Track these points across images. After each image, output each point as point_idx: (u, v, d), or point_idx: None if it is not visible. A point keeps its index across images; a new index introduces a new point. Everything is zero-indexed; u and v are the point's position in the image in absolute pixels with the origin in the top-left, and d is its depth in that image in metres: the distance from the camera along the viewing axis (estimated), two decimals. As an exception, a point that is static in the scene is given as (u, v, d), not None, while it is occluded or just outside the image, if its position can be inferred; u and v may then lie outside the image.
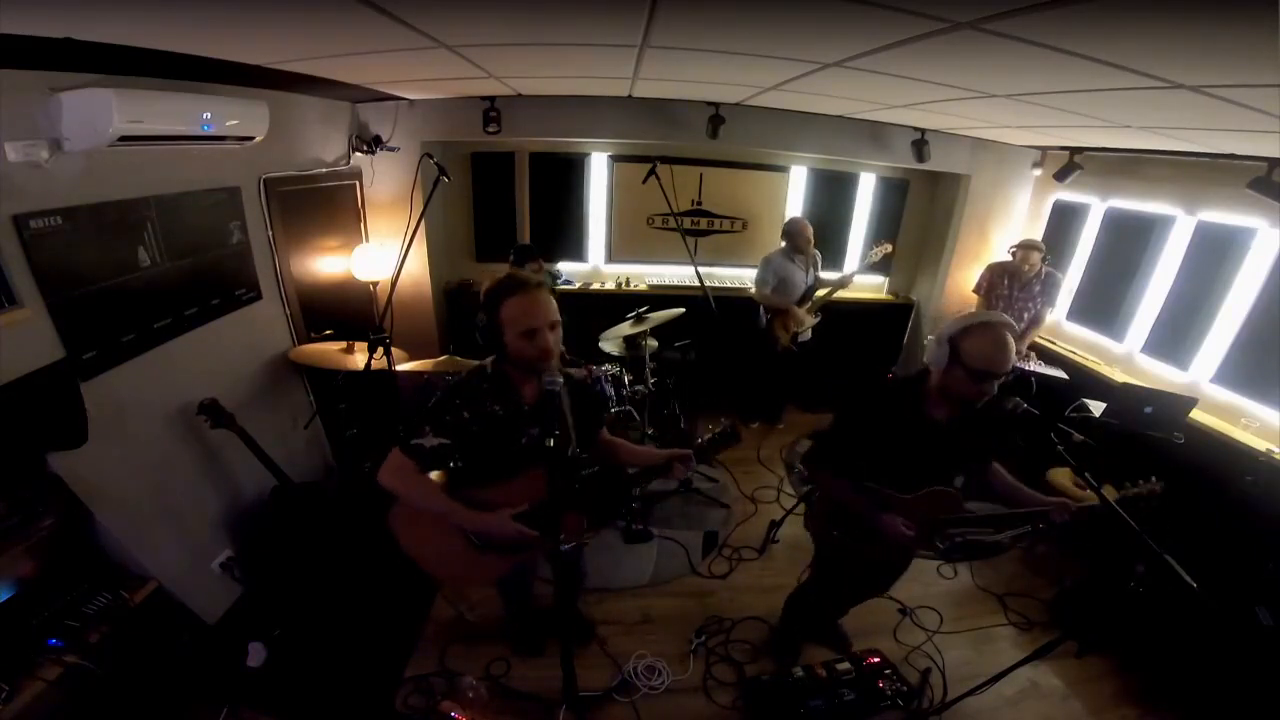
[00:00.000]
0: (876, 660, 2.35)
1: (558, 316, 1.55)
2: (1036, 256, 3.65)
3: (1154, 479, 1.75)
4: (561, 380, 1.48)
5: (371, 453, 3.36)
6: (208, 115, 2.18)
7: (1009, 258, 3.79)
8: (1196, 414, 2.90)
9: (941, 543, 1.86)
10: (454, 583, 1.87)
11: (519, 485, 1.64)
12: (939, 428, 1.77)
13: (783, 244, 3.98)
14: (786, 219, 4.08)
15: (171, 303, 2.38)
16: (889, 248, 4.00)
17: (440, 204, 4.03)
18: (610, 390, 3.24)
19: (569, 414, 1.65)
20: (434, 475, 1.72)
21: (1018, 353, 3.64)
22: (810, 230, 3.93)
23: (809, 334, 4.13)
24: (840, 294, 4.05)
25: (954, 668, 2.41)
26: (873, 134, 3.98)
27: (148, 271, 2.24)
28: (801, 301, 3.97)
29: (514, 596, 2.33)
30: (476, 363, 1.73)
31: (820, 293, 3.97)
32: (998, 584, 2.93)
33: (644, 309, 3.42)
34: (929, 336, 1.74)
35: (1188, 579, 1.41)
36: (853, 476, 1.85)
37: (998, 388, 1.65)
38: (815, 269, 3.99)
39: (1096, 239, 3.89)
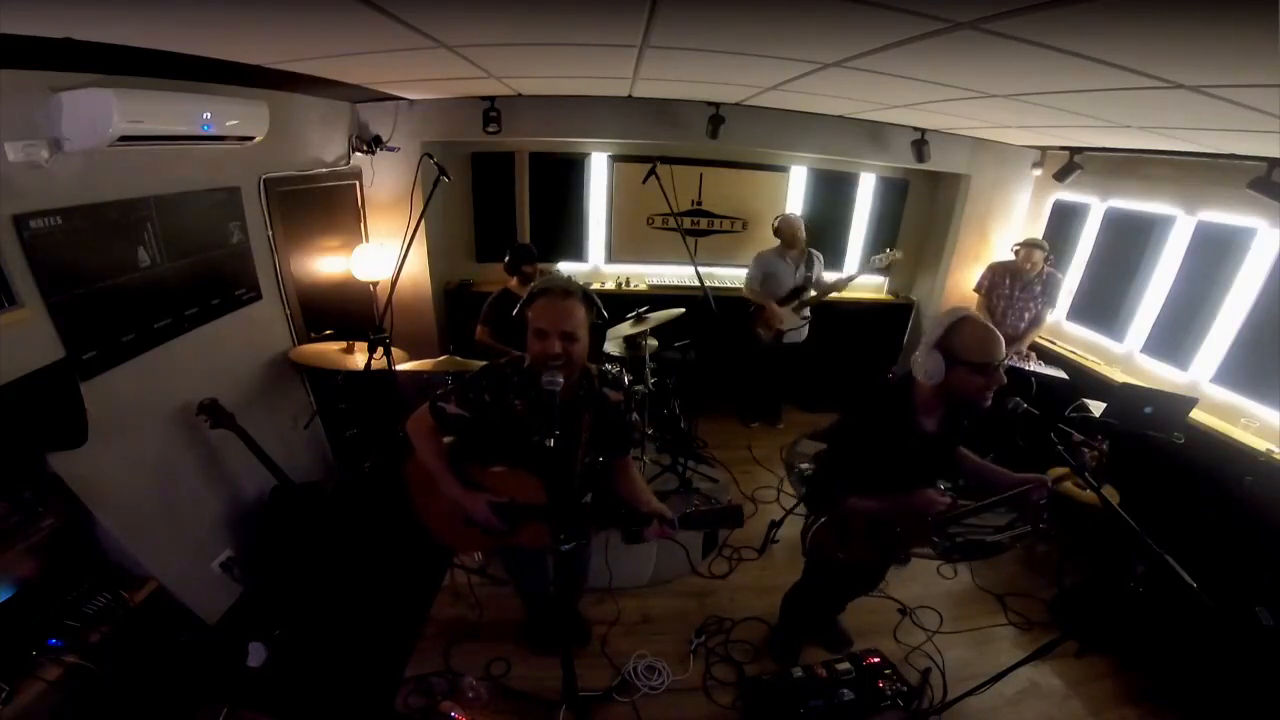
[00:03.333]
0: (876, 660, 2.35)
1: (572, 329, 1.54)
2: (1040, 255, 3.65)
3: (1100, 437, 1.75)
4: (560, 381, 1.48)
5: (371, 453, 3.39)
6: (208, 115, 2.18)
7: (1011, 257, 3.79)
8: (1196, 414, 2.90)
9: (939, 539, 1.85)
10: (441, 540, 1.95)
11: (514, 477, 1.70)
12: (928, 439, 1.76)
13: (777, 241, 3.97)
14: (776, 216, 4.04)
15: (171, 303, 2.38)
16: (899, 255, 3.93)
17: (440, 204, 4.02)
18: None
19: (585, 428, 1.66)
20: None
21: (1018, 353, 3.69)
22: (800, 226, 3.89)
23: (802, 335, 4.09)
24: (840, 294, 4.03)
25: (954, 668, 2.41)
26: (873, 134, 3.97)
27: (148, 271, 2.24)
28: (786, 300, 3.94)
29: (532, 596, 2.34)
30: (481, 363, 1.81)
31: (811, 293, 3.94)
32: (998, 584, 2.93)
33: (644, 309, 3.42)
34: (915, 356, 1.73)
35: (1188, 579, 1.41)
36: (858, 490, 1.81)
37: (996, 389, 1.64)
38: (811, 268, 3.95)
39: (1096, 239, 3.89)
